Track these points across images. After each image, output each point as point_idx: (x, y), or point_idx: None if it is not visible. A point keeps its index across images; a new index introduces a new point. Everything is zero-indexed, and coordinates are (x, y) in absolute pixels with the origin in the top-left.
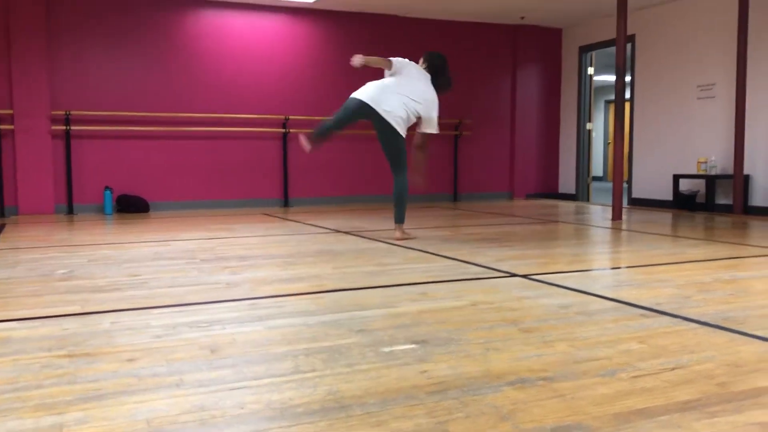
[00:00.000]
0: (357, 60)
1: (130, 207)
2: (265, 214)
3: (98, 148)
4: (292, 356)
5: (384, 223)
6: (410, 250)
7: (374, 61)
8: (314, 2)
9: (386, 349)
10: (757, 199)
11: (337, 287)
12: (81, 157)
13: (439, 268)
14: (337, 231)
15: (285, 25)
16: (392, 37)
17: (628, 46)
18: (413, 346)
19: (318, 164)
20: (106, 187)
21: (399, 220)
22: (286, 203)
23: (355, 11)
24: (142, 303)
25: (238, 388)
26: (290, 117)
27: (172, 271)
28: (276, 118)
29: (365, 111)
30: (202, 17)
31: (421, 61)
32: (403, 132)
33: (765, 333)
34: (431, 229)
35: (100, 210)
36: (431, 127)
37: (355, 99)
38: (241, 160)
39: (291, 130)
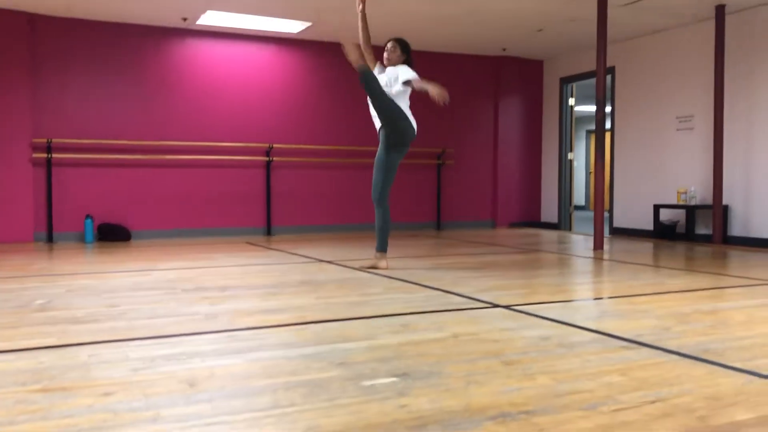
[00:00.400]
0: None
1: (111, 235)
2: (248, 243)
3: (80, 176)
4: (271, 390)
5: (368, 252)
6: (393, 280)
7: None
8: (299, 32)
9: (367, 383)
10: (736, 229)
11: (319, 318)
12: (62, 185)
13: (421, 298)
14: (321, 260)
15: (270, 55)
16: None
17: (608, 77)
18: (394, 379)
19: (302, 193)
20: (87, 216)
21: (380, 248)
22: (269, 232)
23: (337, 42)
24: (121, 335)
25: (216, 423)
26: (274, 145)
27: (152, 302)
28: (260, 147)
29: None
30: (186, 46)
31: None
32: (386, 144)
33: (743, 365)
34: (414, 258)
35: (81, 238)
36: (398, 84)
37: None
38: (224, 188)
39: (275, 159)
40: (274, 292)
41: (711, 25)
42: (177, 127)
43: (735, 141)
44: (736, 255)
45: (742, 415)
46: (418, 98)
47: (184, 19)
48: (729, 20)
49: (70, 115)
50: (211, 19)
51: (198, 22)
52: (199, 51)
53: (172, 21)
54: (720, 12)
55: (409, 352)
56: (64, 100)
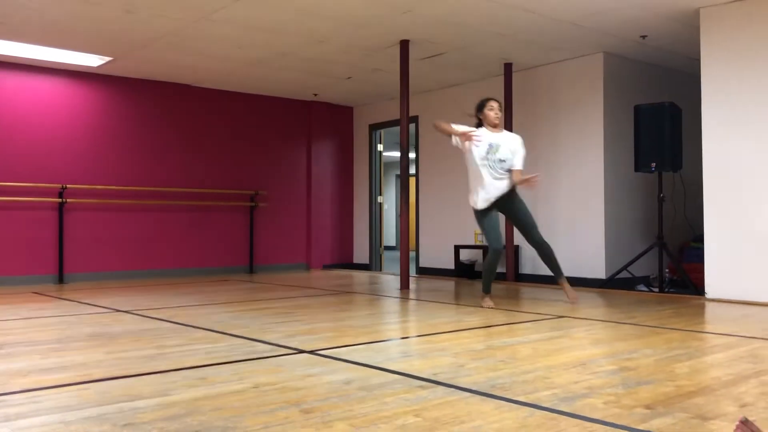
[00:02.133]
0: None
1: None
2: (34, 293)
3: None
4: None
5: (170, 299)
6: (196, 329)
7: (451, 129)
8: (98, 66)
9: None
10: (527, 267)
11: (107, 376)
12: None
13: (224, 348)
14: (117, 310)
15: (64, 89)
16: (182, 106)
17: (412, 125)
18: None
19: (99, 237)
20: None
21: (483, 289)
22: (61, 280)
23: (143, 78)
24: None
25: None
26: (67, 186)
27: None
28: (51, 187)
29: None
30: None
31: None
32: (474, 205)
33: (526, 398)
34: (223, 304)
35: None
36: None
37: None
38: (11, 232)
39: (68, 200)
40: (57, 348)
41: (501, 81)
42: None
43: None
44: (526, 291)
45: None
46: (230, 138)
47: None
48: (516, 77)
49: None
50: None
51: None
52: None
53: None
54: (508, 69)
55: (204, 407)
56: None
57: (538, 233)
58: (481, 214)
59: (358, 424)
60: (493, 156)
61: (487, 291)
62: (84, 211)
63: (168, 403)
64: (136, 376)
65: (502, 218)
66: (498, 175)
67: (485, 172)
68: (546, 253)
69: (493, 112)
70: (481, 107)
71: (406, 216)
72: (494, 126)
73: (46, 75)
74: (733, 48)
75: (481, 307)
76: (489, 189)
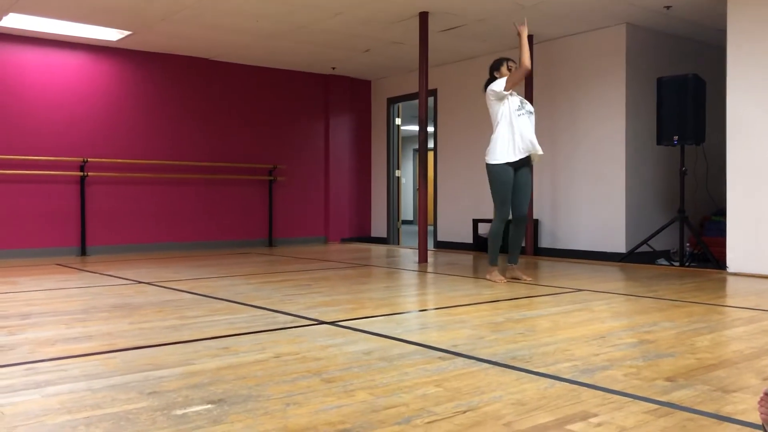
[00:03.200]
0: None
1: None
2: (58, 265)
3: None
4: (70, 427)
5: (191, 271)
6: (218, 301)
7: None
8: (117, 41)
9: (179, 412)
10: (546, 240)
11: (131, 345)
12: None
13: (245, 319)
14: (139, 282)
15: (84, 63)
16: (201, 80)
17: (431, 99)
18: (209, 406)
19: (119, 209)
20: None
21: (490, 261)
22: (83, 252)
23: (162, 52)
24: None
25: None
26: (89, 159)
27: None
28: (73, 161)
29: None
30: None
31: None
32: (501, 159)
33: (546, 370)
34: (243, 276)
35: None
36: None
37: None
38: (33, 205)
39: (89, 174)
40: (82, 318)
41: None
42: None
43: (543, 160)
44: (545, 265)
45: (544, 419)
46: (248, 112)
47: None
48: (537, 49)
49: None
50: (14, 22)
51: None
52: (3, 56)
53: None
54: (529, 41)
55: (227, 377)
56: None
57: (527, 209)
58: (504, 173)
59: (380, 393)
60: (526, 107)
61: (494, 263)
62: (105, 184)
63: (192, 372)
64: (159, 345)
65: None
66: (532, 128)
67: (522, 122)
68: (522, 232)
69: (512, 70)
70: (498, 66)
71: (424, 190)
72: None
73: (67, 50)
74: (760, 18)
75: (488, 280)
76: (525, 139)
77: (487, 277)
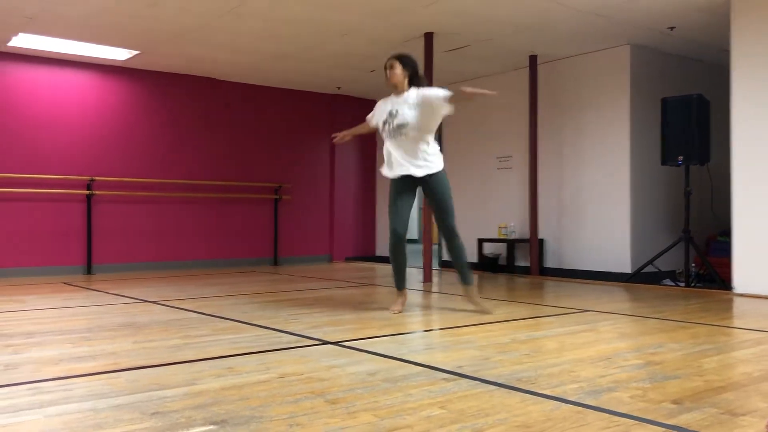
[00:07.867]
0: (340, 136)
1: None
2: (64, 283)
3: None
4: None
5: (196, 290)
6: (222, 320)
7: (354, 130)
8: (125, 60)
9: None
10: (550, 261)
11: (136, 365)
12: None
13: (249, 338)
14: (144, 300)
15: (93, 82)
16: (208, 100)
17: None
18: (211, 427)
19: (126, 228)
20: None
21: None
22: (89, 270)
23: (169, 72)
24: None
25: None
26: (96, 178)
27: None
28: (80, 179)
29: (402, 186)
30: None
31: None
32: (436, 166)
33: (552, 391)
34: (248, 295)
35: None
36: (439, 100)
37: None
38: (40, 223)
39: (96, 192)
40: (87, 337)
41: (526, 73)
42: None
43: (548, 180)
44: (550, 285)
45: None
46: (254, 131)
47: None
48: (541, 69)
49: None
50: (24, 42)
51: (9, 44)
52: (10, 76)
53: None
54: (533, 61)
55: (230, 397)
56: None
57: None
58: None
59: (383, 414)
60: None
61: (400, 287)
62: (111, 203)
63: (195, 392)
64: (164, 365)
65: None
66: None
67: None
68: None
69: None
70: (418, 68)
71: (428, 209)
72: (394, 87)
73: (75, 69)
74: (765, 39)
75: (390, 310)
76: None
77: (390, 308)
